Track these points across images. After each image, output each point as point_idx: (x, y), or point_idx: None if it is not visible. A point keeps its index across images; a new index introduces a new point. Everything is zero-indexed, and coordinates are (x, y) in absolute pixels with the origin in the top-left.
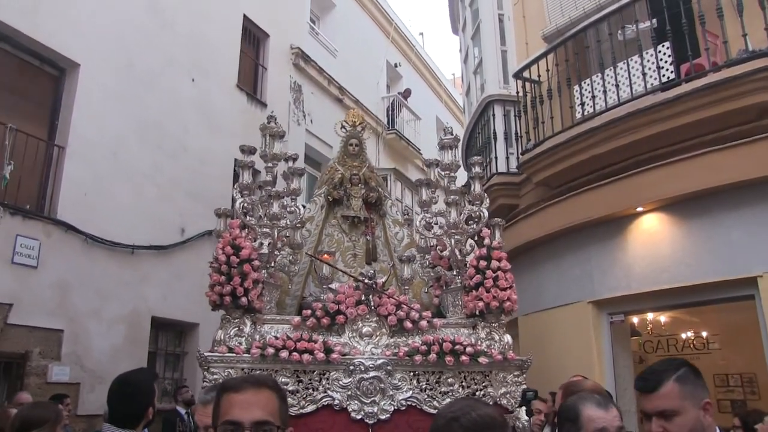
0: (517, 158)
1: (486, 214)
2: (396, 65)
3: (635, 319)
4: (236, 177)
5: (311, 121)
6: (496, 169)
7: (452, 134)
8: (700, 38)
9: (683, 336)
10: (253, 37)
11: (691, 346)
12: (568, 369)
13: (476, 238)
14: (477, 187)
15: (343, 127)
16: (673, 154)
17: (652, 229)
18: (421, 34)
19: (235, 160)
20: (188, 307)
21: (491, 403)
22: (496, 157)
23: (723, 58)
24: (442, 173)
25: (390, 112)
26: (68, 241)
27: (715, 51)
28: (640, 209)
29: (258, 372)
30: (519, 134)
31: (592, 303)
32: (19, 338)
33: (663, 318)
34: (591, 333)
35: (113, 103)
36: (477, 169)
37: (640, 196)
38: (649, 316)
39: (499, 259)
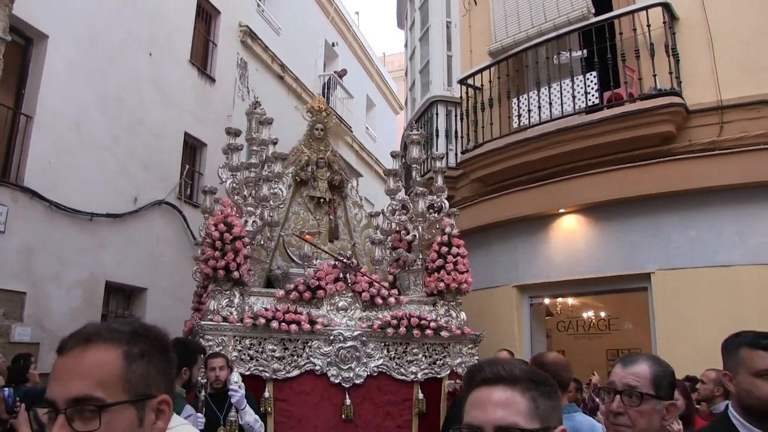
0: (456, 155)
1: (447, 204)
2: (333, 44)
3: (546, 301)
4: (186, 150)
5: (255, 97)
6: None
7: (419, 130)
8: (620, 72)
9: (588, 316)
10: (205, 14)
11: (596, 326)
12: (494, 343)
13: (437, 226)
14: (440, 180)
15: (309, 111)
16: (591, 167)
17: (570, 228)
18: (357, 13)
19: (185, 133)
20: (139, 273)
21: (449, 371)
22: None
23: (637, 91)
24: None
25: (325, 90)
26: (33, 207)
27: (632, 83)
28: (561, 210)
29: (248, 340)
30: (459, 134)
31: (517, 287)
32: None
33: (570, 301)
34: (514, 312)
35: (78, 75)
36: (440, 164)
37: (562, 199)
38: (559, 299)
39: (458, 246)
